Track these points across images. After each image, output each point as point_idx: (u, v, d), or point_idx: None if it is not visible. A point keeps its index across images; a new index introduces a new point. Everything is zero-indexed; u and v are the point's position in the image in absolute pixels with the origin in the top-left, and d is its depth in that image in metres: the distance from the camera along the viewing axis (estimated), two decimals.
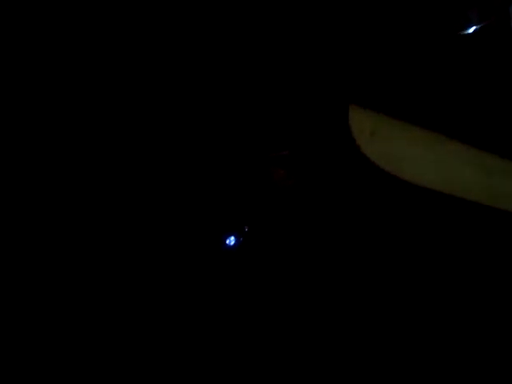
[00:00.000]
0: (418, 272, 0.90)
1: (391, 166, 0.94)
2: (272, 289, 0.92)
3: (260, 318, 0.91)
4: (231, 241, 0.95)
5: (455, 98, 0.98)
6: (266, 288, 0.92)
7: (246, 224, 0.96)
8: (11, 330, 0.88)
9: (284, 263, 0.93)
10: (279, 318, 0.90)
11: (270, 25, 1.00)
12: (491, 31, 0.98)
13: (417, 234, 0.92)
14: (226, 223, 0.96)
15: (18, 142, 0.95)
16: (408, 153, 0.95)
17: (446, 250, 0.91)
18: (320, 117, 0.99)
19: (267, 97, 1.00)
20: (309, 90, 1.00)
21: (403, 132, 0.96)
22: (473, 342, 0.87)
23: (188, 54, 0.99)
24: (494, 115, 0.96)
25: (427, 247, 0.91)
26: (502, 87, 0.97)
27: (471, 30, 0.99)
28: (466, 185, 0.91)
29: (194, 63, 0.99)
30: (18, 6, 0.96)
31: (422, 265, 0.90)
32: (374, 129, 0.97)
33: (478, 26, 0.98)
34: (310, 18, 1.01)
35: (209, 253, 0.94)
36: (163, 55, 0.99)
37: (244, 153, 0.98)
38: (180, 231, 0.95)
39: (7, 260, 0.91)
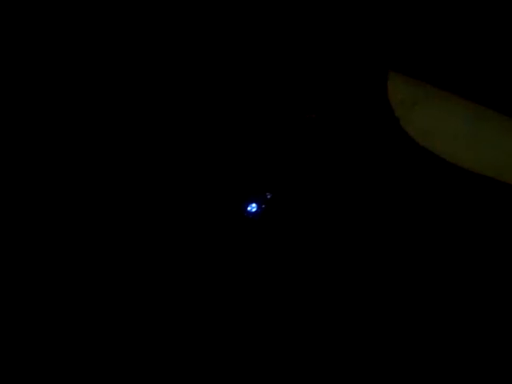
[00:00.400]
0: (445, 254, 0.85)
1: (432, 143, 0.87)
2: (294, 259, 0.86)
3: (281, 289, 0.85)
4: (253, 208, 0.88)
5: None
6: (288, 258, 0.86)
7: (268, 191, 0.89)
8: (11, 330, 0.82)
9: (307, 232, 0.87)
10: (301, 290, 0.85)
11: None
12: None
13: (448, 217, 0.86)
14: (248, 190, 0.89)
15: (18, 142, 0.89)
16: (454, 129, 0.87)
17: (476, 233, 0.85)
18: (355, 84, 0.91)
19: (298, 57, 0.91)
20: (344, 53, 0.92)
21: (450, 105, 0.88)
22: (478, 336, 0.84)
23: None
24: None
25: (457, 230, 0.85)
26: None
27: None
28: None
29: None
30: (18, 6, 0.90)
31: (451, 249, 0.85)
32: (416, 99, 0.89)
33: None
34: None
35: (229, 220, 0.87)
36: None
37: (268, 116, 0.90)
38: (200, 198, 0.88)
39: (7, 260, 0.84)
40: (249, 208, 0.88)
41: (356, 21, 0.93)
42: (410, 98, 0.89)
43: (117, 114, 0.91)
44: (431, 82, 0.90)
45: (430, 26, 0.92)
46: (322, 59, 0.92)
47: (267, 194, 0.89)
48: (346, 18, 0.92)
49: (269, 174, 0.89)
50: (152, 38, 0.92)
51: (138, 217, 0.86)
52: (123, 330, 0.82)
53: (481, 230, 0.85)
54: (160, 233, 0.85)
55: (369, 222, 0.86)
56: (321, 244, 0.86)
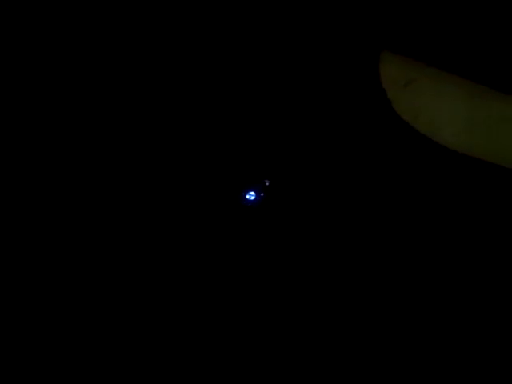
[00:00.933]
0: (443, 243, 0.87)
1: (427, 126, 0.86)
2: (295, 249, 0.87)
3: (281, 280, 0.87)
4: (251, 196, 0.90)
5: None
6: (289, 248, 0.87)
7: (266, 177, 0.90)
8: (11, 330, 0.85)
9: (308, 220, 0.88)
10: (301, 282, 0.87)
11: None
12: None
13: (444, 204, 0.86)
14: (246, 177, 0.90)
15: (18, 142, 0.89)
16: (451, 112, 0.86)
17: (476, 223, 0.85)
18: (345, 64, 0.89)
19: (287, 36, 0.90)
20: (334, 30, 0.89)
21: (448, 85, 0.87)
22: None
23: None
24: None
25: (454, 219, 0.85)
26: None
27: None
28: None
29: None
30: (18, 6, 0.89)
31: (449, 237, 0.86)
32: (410, 78, 0.88)
33: None
34: None
35: (226, 209, 0.88)
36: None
37: (264, 101, 0.90)
38: (195, 185, 0.88)
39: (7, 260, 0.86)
40: (247, 196, 0.89)
41: None
42: (403, 78, 0.88)
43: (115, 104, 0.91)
44: (426, 60, 0.89)
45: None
46: (311, 38, 0.90)
47: (266, 181, 0.90)
48: None
49: (267, 160, 0.90)
50: (152, 37, 0.91)
51: (133, 205, 0.87)
52: (124, 325, 0.85)
53: (480, 219, 0.84)
54: (155, 223, 0.86)
55: (367, 207, 0.87)
56: (323, 232, 0.86)
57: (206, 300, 0.86)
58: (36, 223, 0.87)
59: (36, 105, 0.91)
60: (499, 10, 0.88)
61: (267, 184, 0.90)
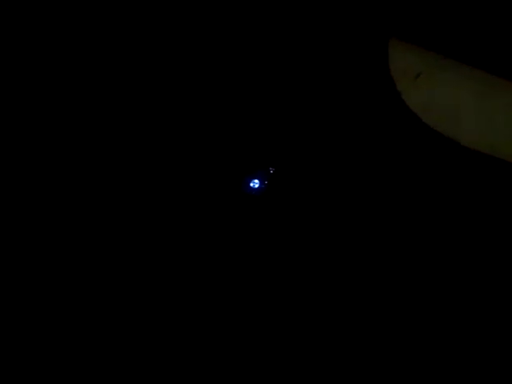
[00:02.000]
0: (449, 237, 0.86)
1: (437, 119, 0.85)
2: (299, 239, 0.85)
3: (284, 271, 0.86)
4: (255, 184, 0.88)
5: None
6: (293, 238, 0.85)
7: (271, 165, 0.89)
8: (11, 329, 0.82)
9: (313, 210, 0.86)
10: (305, 273, 0.86)
11: None
12: None
13: (451, 198, 0.86)
14: (250, 164, 0.88)
15: (18, 142, 0.86)
16: (462, 104, 0.84)
17: (485, 221, 0.83)
18: (352, 53, 0.87)
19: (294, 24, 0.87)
20: (341, 18, 0.87)
21: (459, 77, 0.85)
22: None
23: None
24: None
25: (461, 213, 0.84)
26: None
27: None
28: None
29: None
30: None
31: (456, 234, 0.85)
32: (421, 70, 0.87)
33: None
34: None
35: (229, 198, 0.86)
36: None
37: (270, 89, 0.88)
38: (198, 173, 0.86)
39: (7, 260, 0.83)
40: (251, 184, 0.88)
41: None
42: (414, 68, 0.86)
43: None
44: (437, 49, 0.87)
45: None
46: (317, 26, 0.88)
47: (270, 168, 0.88)
48: None
49: (271, 147, 0.88)
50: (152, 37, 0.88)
51: (136, 194, 0.85)
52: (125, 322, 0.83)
53: (487, 214, 0.83)
54: (158, 211, 0.84)
55: (373, 199, 0.85)
56: (327, 222, 0.85)
57: (208, 289, 0.84)
58: (36, 223, 0.84)
59: (36, 105, 0.87)
60: None
61: (271, 172, 0.88)
